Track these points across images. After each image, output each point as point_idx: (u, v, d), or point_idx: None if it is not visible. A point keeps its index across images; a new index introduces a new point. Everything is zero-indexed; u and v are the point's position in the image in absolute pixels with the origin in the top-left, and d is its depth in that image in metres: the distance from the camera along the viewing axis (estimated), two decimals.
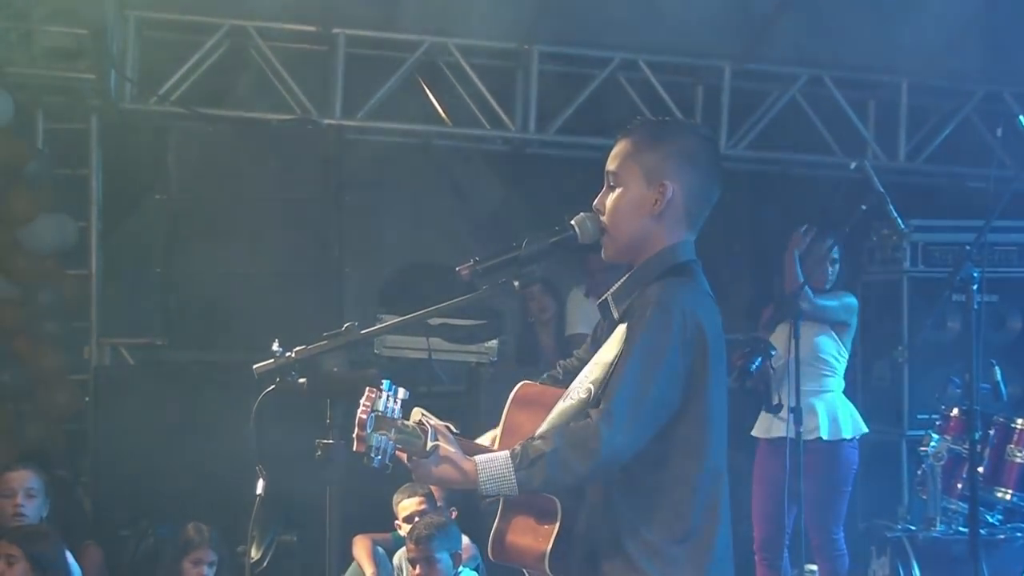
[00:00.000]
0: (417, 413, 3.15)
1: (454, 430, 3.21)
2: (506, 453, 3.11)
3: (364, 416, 2.97)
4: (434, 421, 3.15)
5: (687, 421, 3.17)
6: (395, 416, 3.03)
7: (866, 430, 6.82)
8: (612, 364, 3.17)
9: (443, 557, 5.66)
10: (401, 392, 3.07)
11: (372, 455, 2.96)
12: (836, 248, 6.83)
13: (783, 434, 6.42)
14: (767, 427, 6.70)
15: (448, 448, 3.12)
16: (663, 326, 3.12)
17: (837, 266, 6.90)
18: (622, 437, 3.08)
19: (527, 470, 3.07)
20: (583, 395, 3.21)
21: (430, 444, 3.08)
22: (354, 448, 2.98)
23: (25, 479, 6.06)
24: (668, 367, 3.12)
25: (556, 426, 3.18)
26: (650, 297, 3.17)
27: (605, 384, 3.17)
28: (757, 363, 6.33)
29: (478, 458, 3.12)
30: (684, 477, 3.18)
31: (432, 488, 6.12)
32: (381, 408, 3.00)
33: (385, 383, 3.04)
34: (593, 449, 3.05)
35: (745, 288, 10.23)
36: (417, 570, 5.63)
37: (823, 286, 6.86)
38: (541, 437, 3.12)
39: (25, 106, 8.17)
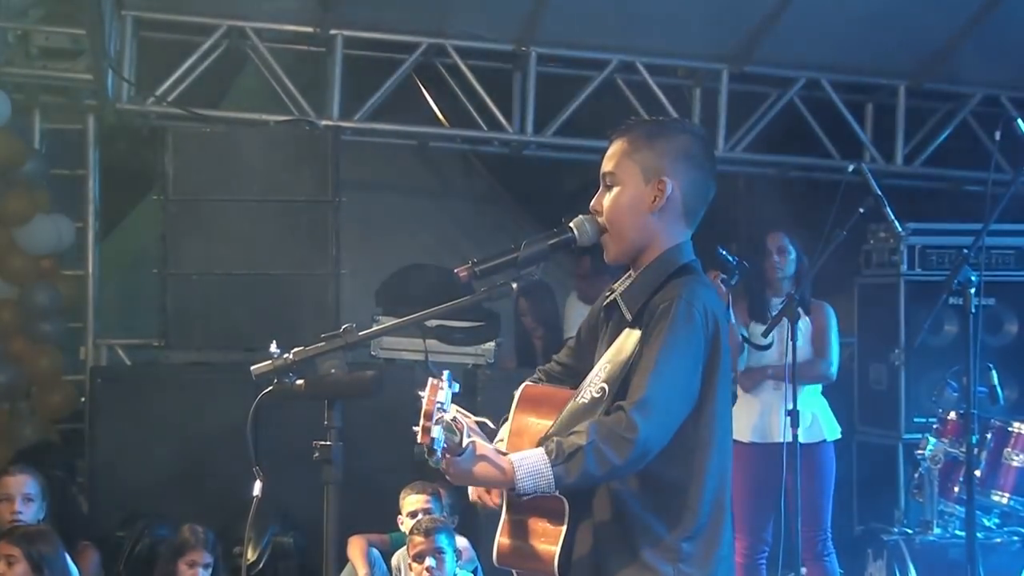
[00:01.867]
0: (452, 409, 3.08)
1: (491, 425, 3.20)
2: (541, 449, 3.07)
3: (430, 408, 2.88)
4: (470, 419, 3.14)
5: (701, 416, 3.19)
6: (445, 411, 2.95)
7: (840, 434, 6.83)
8: (626, 364, 3.17)
9: (450, 550, 5.68)
10: (455, 386, 3.01)
11: (435, 448, 2.88)
12: (787, 239, 6.82)
13: (779, 439, 6.40)
14: (762, 431, 6.66)
15: (484, 445, 3.10)
16: (689, 320, 3.14)
17: (791, 255, 6.84)
18: (656, 427, 3.07)
19: (564, 464, 3.03)
20: (596, 394, 3.20)
21: (466, 441, 3.02)
22: (419, 440, 2.88)
23: (23, 484, 6.03)
24: (694, 361, 3.14)
25: (586, 421, 3.12)
26: (671, 294, 3.17)
27: (620, 383, 3.16)
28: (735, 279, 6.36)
29: (513, 456, 3.09)
30: (696, 472, 3.19)
31: (439, 489, 6.13)
32: (443, 400, 2.92)
33: (446, 374, 2.97)
34: (629, 439, 3.03)
35: (741, 290, 10.21)
36: (425, 563, 5.62)
37: (776, 277, 6.85)
38: (575, 431, 3.09)
39: (22, 106, 8.17)
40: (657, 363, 3.11)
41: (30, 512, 5.97)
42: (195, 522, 6.05)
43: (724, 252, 6.32)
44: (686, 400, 3.15)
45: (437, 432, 2.87)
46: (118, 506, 6.89)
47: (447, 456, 2.98)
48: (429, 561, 5.61)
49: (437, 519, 5.81)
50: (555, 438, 3.10)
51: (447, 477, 3.08)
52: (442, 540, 5.65)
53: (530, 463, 3.05)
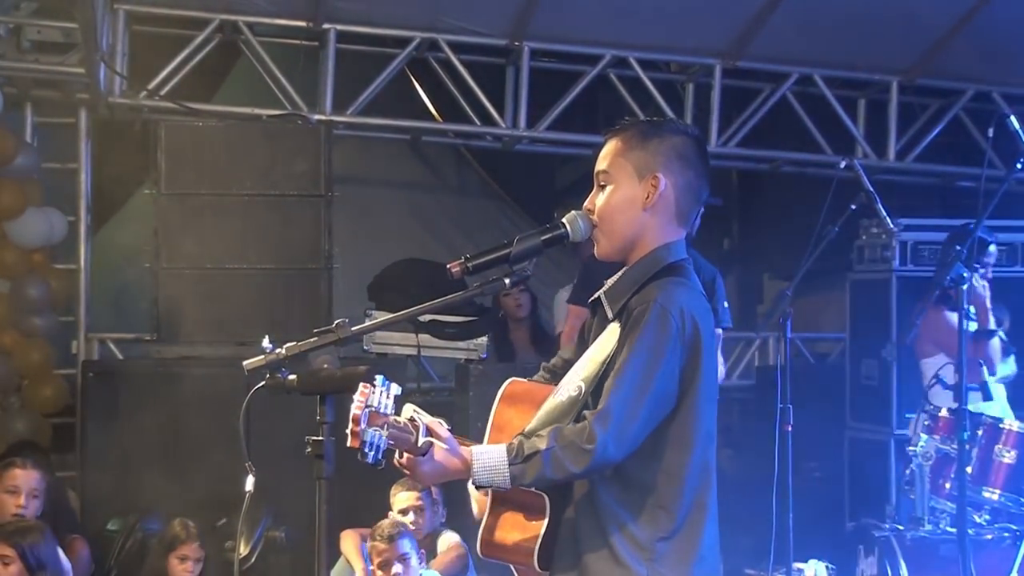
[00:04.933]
0: (408, 409, 3.15)
1: (447, 426, 3.21)
2: (502, 446, 3.14)
3: (359, 412, 2.96)
4: (426, 418, 3.16)
5: (678, 417, 3.20)
6: (387, 412, 3.02)
7: None
8: (605, 362, 3.20)
9: (414, 553, 5.69)
10: (394, 388, 3.06)
11: (367, 451, 2.96)
12: None
13: None
14: None
15: (442, 445, 3.14)
16: (661, 327, 3.15)
17: None
18: (617, 438, 3.10)
19: (521, 465, 3.10)
20: (573, 392, 3.23)
21: (422, 440, 3.09)
22: (348, 444, 2.97)
23: (31, 479, 6.01)
24: (666, 367, 3.15)
25: (552, 424, 3.19)
26: (647, 297, 3.19)
27: (597, 381, 3.19)
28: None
29: (474, 448, 3.16)
30: (673, 471, 3.21)
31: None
32: (375, 404, 2.99)
33: (379, 379, 3.04)
34: (587, 450, 3.08)
35: (734, 285, 10.25)
36: (392, 570, 5.61)
37: None
38: (537, 434, 3.14)
39: (14, 100, 8.15)
40: (624, 372, 3.14)
41: (33, 508, 5.97)
42: (187, 516, 6.05)
43: None
44: (657, 406, 3.16)
45: (370, 436, 2.95)
46: (109, 500, 6.88)
47: (408, 456, 3.10)
48: (396, 568, 5.61)
49: (398, 524, 5.81)
50: (518, 438, 3.16)
51: (410, 476, 3.18)
52: (405, 545, 5.65)
53: (488, 458, 3.13)
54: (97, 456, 7.01)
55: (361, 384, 3.01)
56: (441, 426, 3.18)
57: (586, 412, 3.16)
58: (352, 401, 2.99)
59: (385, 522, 5.84)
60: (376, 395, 3.00)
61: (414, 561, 5.68)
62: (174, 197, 7.34)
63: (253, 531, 6.51)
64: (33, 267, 8.15)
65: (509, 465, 3.10)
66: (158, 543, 6.12)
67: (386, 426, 3.00)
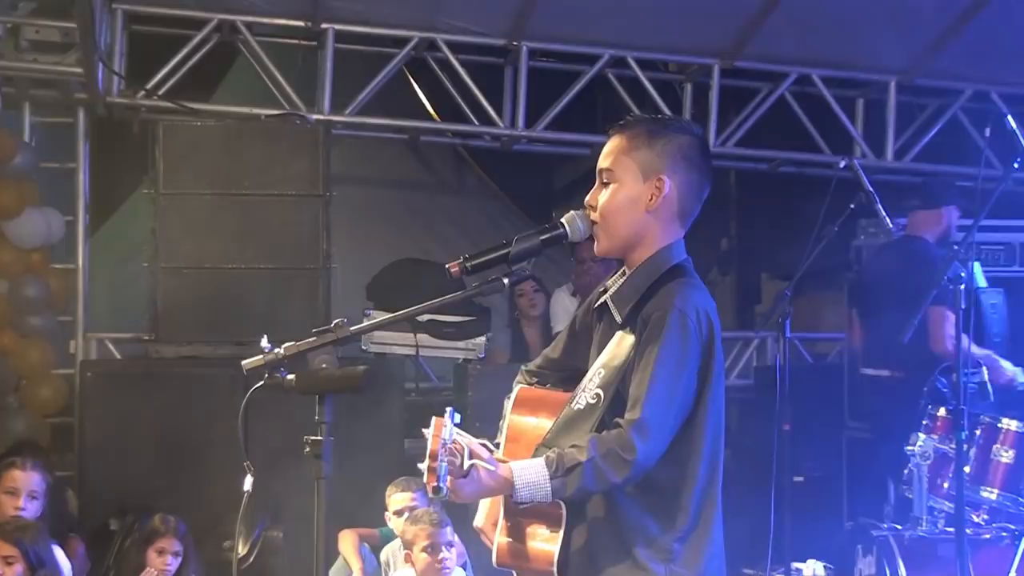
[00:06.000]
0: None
1: (490, 447, 3.21)
2: (541, 460, 3.13)
3: (436, 448, 2.96)
4: (467, 438, 3.15)
5: (694, 418, 3.22)
6: (448, 444, 3.03)
7: None
8: (623, 369, 3.19)
9: (453, 543, 5.68)
10: (456, 417, 3.07)
11: (440, 484, 2.97)
12: None
13: None
14: None
15: (486, 466, 3.12)
16: (683, 331, 3.16)
17: None
18: (653, 446, 3.12)
19: (562, 478, 3.09)
20: (591, 400, 3.24)
21: (467, 463, 3.08)
22: (424, 480, 2.97)
23: (31, 481, 6.00)
24: (690, 372, 3.18)
25: (571, 433, 3.20)
26: (663, 303, 3.20)
27: (616, 389, 3.19)
28: None
29: (513, 464, 3.14)
30: (688, 471, 3.22)
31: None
32: (446, 437, 2.99)
33: (448, 410, 3.04)
34: (628, 460, 3.09)
35: (733, 285, 10.26)
36: (440, 555, 5.57)
37: None
38: (575, 446, 3.13)
39: (12, 99, 8.15)
40: (655, 380, 3.14)
41: (32, 509, 5.96)
42: (185, 516, 6.06)
43: None
44: (682, 412, 3.19)
45: (443, 469, 2.95)
46: (108, 500, 6.88)
47: (451, 479, 3.05)
48: (444, 552, 5.59)
49: (438, 513, 5.79)
50: (555, 450, 3.14)
51: (452, 498, 3.14)
52: (448, 533, 5.65)
53: (529, 474, 3.11)
54: (95, 456, 7.00)
55: (435, 418, 3.01)
56: (483, 447, 3.17)
57: (619, 420, 3.15)
58: (428, 437, 2.98)
59: (423, 509, 5.81)
60: (448, 430, 3.00)
61: (452, 552, 5.68)
62: (172, 197, 7.33)
63: (251, 531, 6.51)
64: (31, 267, 8.14)
65: (550, 479, 3.09)
66: (138, 536, 6.13)
67: (446, 455, 3.00)
